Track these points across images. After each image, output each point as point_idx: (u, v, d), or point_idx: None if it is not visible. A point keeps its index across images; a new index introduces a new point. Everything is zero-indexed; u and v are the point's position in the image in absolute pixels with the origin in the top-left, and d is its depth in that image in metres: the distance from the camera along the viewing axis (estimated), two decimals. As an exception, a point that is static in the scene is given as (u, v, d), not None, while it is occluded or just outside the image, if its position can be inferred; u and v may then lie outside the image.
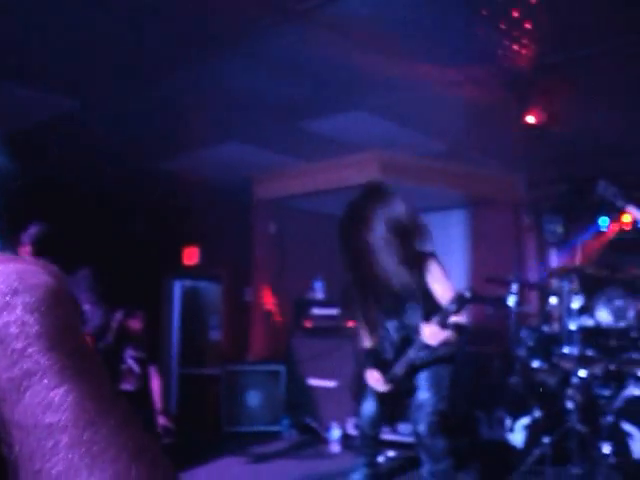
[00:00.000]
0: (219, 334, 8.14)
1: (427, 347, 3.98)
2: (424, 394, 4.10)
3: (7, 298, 0.53)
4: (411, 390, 4.19)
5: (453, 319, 3.90)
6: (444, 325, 3.83)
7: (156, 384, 5.87)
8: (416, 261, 4.15)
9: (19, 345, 0.52)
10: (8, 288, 0.54)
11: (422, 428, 4.02)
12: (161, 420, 5.79)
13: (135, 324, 5.92)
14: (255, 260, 8.19)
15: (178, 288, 8.39)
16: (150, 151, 6.88)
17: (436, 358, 4.13)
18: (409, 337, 4.12)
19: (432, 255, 4.25)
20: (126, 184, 7.25)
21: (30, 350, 0.52)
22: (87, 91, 5.36)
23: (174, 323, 8.23)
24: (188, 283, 8.44)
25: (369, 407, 4.45)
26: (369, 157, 7.13)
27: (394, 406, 4.39)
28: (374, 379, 4.25)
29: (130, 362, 5.80)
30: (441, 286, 4.13)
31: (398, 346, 4.18)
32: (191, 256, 8.22)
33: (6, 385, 0.51)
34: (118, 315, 5.52)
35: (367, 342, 4.48)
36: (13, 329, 0.52)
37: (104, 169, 6.92)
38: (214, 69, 4.98)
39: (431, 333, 3.86)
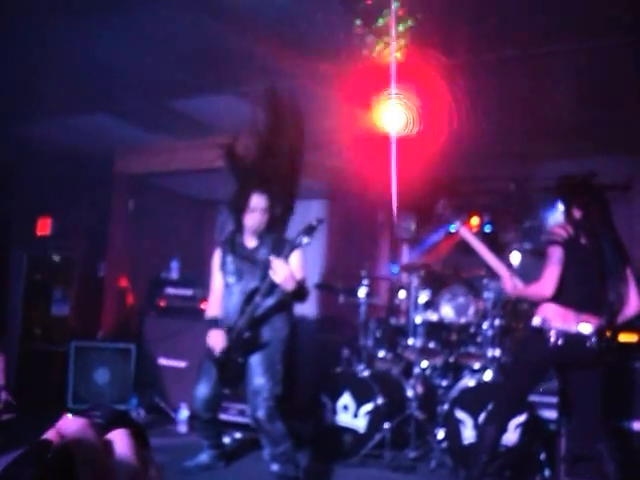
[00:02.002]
0: (66, 309, 7.93)
1: (271, 292, 4.15)
2: (259, 380, 4.23)
3: None
4: (246, 355, 4.32)
5: (297, 278, 4.09)
6: (286, 258, 4.04)
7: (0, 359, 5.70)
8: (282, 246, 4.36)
9: None
10: None
11: (261, 414, 4.16)
12: (3, 395, 5.64)
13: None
14: (111, 235, 8.05)
15: (25, 259, 8.08)
16: (6, 114, 6.58)
17: (275, 306, 4.30)
18: (253, 295, 4.25)
19: (297, 246, 4.41)
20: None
21: None
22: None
23: (18, 296, 7.93)
24: (37, 254, 8.14)
25: (202, 390, 4.53)
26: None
27: (231, 380, 4.49)
28: (214, 338, 4.31)
29: (-27, 336, 5.61)
30: (296, 273, 4.29)
31: (242, 307, 4.30)
32: (44, 227, 7.96)
33: None
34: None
35: (211, 311, 4.59)
36: None
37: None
38: (83, 37, 4.85)
39: (278, 266, 3.97)
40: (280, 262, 3.98)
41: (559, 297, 4.00)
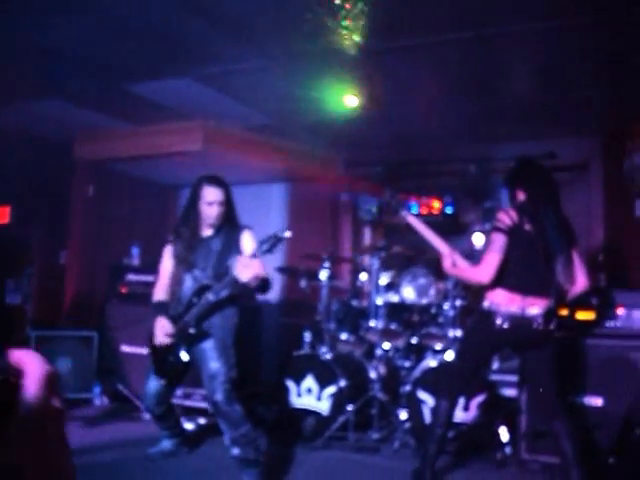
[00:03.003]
0: (18, 298, 7.80)
1: (224, 289, 4.14)
2: (215, 364, 4.23)
3: None
4: (189, 350, 4.32)
5: (258, 273, 4.03)
6: (254, 256, 3.96)
7: None
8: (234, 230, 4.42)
9: None
10: None
11: (219, 397, 4.15)
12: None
13: None
14: (71, 222, 7.96)
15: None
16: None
17: (226, 299, 4.26)
18: (203, 290, 4.25)
19: (247, 228, 4.47)
20: None
21: None
22: None
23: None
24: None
25: (153, 385, 4.54)
26: (193, 126, 7.10)
27: (168, 373, 4.48)
28: (161, 327, 4.32)
29: None
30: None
31: (190, 299, 4.30)
32: (2, 215, 7.83)
33: None
34: None
35: (157, 296, 4.56)
36: None
37: None
38: (37, 22, 4.77)
39: (243, 264, 3.88)
40: (246, 260, 3.94)
41: (506, 282, 4.06)
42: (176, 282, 4.44)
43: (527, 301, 4.03)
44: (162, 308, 4.44)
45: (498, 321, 4.04)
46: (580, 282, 4.14)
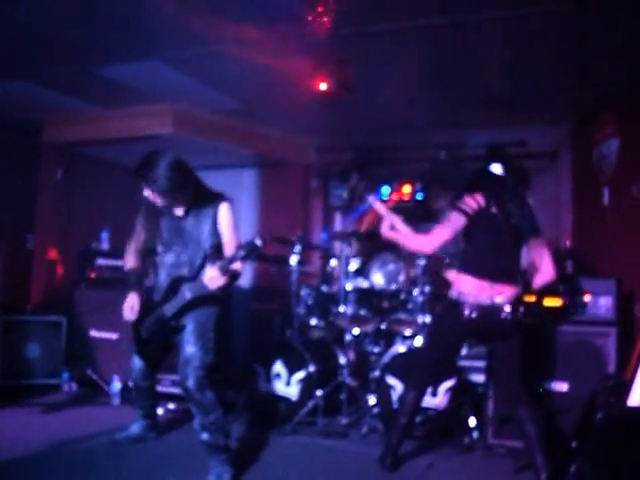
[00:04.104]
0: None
1: (202, 288, 4.06)
2: (190, 349, 4.18)
3: None
4: (169, 336, 4.34)
5: (233, 266, 3.98)
6: (226, 271, 3.91)
7: None
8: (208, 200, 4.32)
9: None
10: None
11: (190, 382, 4.11)
12: None
13: None
14: (40, 206, 7.87)
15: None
16: None
17: (205, 298, 4.19)
18: (182, 276, 4.23)
19: (227, 199, 4.35)
20: None
21: None
22: None
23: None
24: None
25: (137, 360, 4.56)
26: (163, 109, 7.06)
27: (154, 353, 4.53)
28: (129, 304, 4.37)
29: None
30: (228, 233, 4.27)
31: (167, 292, 4.27)
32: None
33: None
34: None
35: (130, 263, 4.54)
36: None
37: None
38: (4, 2, 4.68)
39: (212, 277, 3.90)
40: (215, 273, 3.90)
41: (473, 268, 4.03)
42: (155, 265, 4.43)
43: (495, 289, 3.98)
44: (133, 278, 4.49)
45: (466, 311, 4.00)
46: (547, 272, 4.10)
